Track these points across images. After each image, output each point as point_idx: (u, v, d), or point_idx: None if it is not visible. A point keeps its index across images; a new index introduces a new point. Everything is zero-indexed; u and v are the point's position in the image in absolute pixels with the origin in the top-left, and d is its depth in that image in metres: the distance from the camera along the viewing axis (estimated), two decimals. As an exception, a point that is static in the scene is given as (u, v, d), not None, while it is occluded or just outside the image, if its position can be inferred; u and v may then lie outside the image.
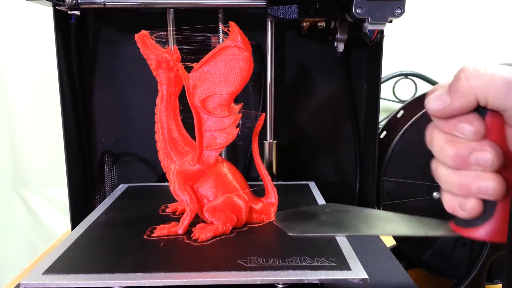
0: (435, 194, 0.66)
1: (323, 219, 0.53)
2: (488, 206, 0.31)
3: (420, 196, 0.68)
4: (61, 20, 0.72)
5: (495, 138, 0.30)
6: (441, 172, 0.32)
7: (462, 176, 0.31)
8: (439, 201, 0.65)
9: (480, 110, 0.30)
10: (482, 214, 0.31)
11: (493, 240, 0.32)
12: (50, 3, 0.66)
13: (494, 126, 0.30)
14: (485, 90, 0.29)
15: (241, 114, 0.52)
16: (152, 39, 0.53)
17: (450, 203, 0.32)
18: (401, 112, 0.75)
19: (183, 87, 0.52)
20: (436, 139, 0.32)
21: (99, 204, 0.65)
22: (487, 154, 0.30)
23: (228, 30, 0.49)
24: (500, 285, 0.64)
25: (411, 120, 0.67)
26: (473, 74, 0.29)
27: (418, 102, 0.72)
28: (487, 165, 0.30)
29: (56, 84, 0.73)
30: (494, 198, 0.30)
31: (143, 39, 0.52)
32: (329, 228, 0.50)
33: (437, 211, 0.65)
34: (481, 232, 0.32)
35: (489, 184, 0.30)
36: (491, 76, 0.29)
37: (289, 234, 0.50)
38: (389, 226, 0.44)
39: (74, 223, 0.76)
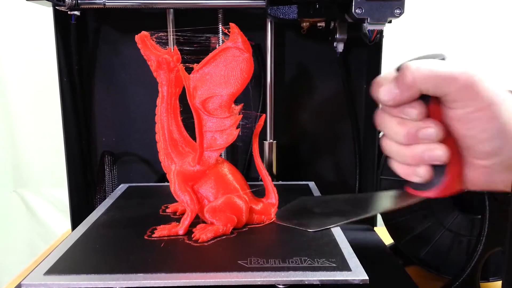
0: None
1: (320, 211, 0.55)
2: (438, 171, 0.39)
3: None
4: (61, 20, 0.72)
5: (437, 117, 0.38)
6: (393, 148, 0.40)
7: (414, 149, 0.38)
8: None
9: (423, 96, 0.38)
10: (434, 177, 0.39)
11: (443, 195, 0.40)
12: (50, 4, 0.66)
13: (435, 108, 0.38)
14: (426, 83, 0.37)
15: (241, 115, 0.52)
16: (153, 40, 0.53)
17: (404, 171, 0.40)
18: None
19: (184, 88, 0.52)
20: (388, 123, 0.40)
21: (100, 204, 0.65)
22: (431, 129, 0.37)
23: (229, 31, 0.49)
24: (496, 282, 0.65)
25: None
26: (416, 70, 0.37)
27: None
28: (433, 137, 0.38)
29: (56, 84, 0.73)
30: (443, 162, 0.38)
31: (144, 40, 0.52)
32: (335, 217, 0.52)
33: (432, 208, 0.66)
34: (435, 191, 0.40)
35: (438, 152, 0.38)
36: (431, 71, 0.36)
37: (309, 231, 0.52)
38: (375, 206, 0.53)
39: (75, 223, 0.77)
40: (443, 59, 0.38)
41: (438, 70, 0.36)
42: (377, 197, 0.54)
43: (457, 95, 0.36)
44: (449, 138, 0.38)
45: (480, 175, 0.40)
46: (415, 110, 0.38)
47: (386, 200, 0.50)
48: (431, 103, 0.38)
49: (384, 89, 0.39)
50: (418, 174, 0.39)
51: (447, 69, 0.36)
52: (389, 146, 0.41)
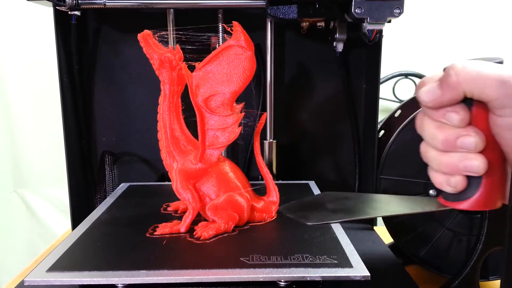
0: (431, 191, 0.66)
1: (331, 207, 0.55)
2: (474, 183, 0.36)
3: (416, 194, 0.68)
4: (61, 20, 0.72)
5: (480, 124, 0.35)
6: (431, 153, 0.38)
7: (450, 157, 0.36)
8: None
9: (467, 101, 0.35)
10: (468, 189, 0.37)
11: (477, 209, 0.37)
12: (50, 4, 0.66)
13: (479, 114, 0.35)
14: (472, 85, 0.34)
15: (243, 113, 0.52)
16: (155, 39, 0.53)
17: (438, 180, 0.38)
18: (399, 111, 0.76)
19: (186, 86, 0.52)
20: (427, 126, 0.37)
21: (100, 203, 0.65)
22: (471, 138, 0.35)
23: (231, 30, 0.49)
24: (496, 281, 0.65)
25: (407, 119, 0.68)
26: (461, 71, 0.34)
27: (415, 101, 0.73)
28: (471, 147, 0.35)
29: (56, 84, 0.73)
30: (478, 174, 0.35)
31: (146, 38, 0.53)
32: (340, 214, 0.52)
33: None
34: (466, 204, 0.37)
35: (474, 163, 0.35)
36: (478, 73, 0.33)
37: (307, 223, 0.51)
38: (390, 207, 0.49)
39: (75, 223, 0.77)
40: (501, 62, 0.35)
41: (486, 72, 0.33)
42: (400, 200, 0.51)
43: (506, 101, 0.33)
44: (490, 148, 0.36)
45: None
46: (457, 115, 0.35)
47: (409, 204, 0.48)
48: (475, 109, 0.35)
49: (426, 88, 0.36)
50: (450, 183, 0.37)
51: (497, 72, 0.33)
52: (426, 151, 0.38)
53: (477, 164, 0.35)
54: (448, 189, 0.37)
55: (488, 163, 0.35)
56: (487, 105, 0.35)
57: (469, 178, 0.36)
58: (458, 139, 0.35)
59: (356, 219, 0.50)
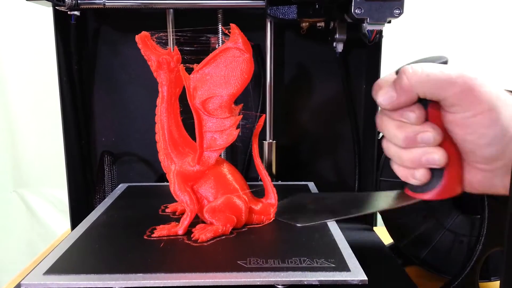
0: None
1: (313, 208, 0.55)
2: (436, 174, 0.39)
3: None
4: (61, 20, 0.72)
5: (436, 120, 0.38)
6: (393, 150, 0.40)
7: (412, 153, 0.38)
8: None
9: (422, 100, 0.37)
10: (432, 180, 0.39)
11: (441, 198, 0.39)
12: (50, 4, 0.66)
13: (434, 111, 0.38)
14: (423, 87, 0.36)
15: (241, 116, 0.52)
16: (153, 40, 0.53)
17: (403, 174, 0.40)
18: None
19: (184, 88, 0.52)
20: (387, 125, 0.39)
21: (99, 204, 0.65)
22: (429, 134, 0.37)
23: (229, 32, 0.49)
24: (497, 282, 0.65)
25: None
26: (413, 74, 0.36)
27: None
28: (430, 141, 0.37)
29: (56, 84, 0.73)
30: (440, 166, 0.38)
31: (144, 40, 0.52)
32: (326, 214, 0.52)
33: (432, 209, 0.66)
34: (431, 194, 0.39)
35: (435, 156, 0.37)
36: (427, 75, 0.36)
37: (297, 225, 0.51)
38: (370, 205, 0.51)
39: (74, 223, 0.77)
40: (445, 62, 0.38)
41: (435, 74, 0.36)
42: (374, 196, 0.54)
43: (455, 99, 0.36)
44: (448, 141, 0.38)
45: (480, 179, 0.39)
46: (413, 114, 0.37)
47: (383, 200, 0.50)
48: (430, 107, 0.38)
49: (382, 92, 0.38)
50: (415, 177, 0.39)
51: (444, 73, 0.36)
52: (389, 148, 0.41)
53: (438, 157, 0.37)
54: (413, 181, 0.40)
55: (448, 155, 0.38)
56: (439, 103, 0.37)
57: (431, 170, 0.39)
58: (418, 135, 0.37)
59: (344, 217, 0.50)
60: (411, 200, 0.42)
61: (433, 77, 0.36)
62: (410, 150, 0.38)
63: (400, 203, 0.44)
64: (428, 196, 0.40)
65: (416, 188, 0.41)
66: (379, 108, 0.41)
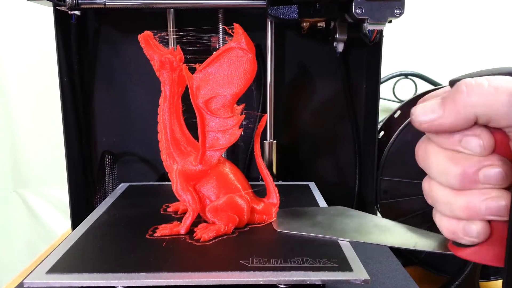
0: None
1: (318, 220, 0.54)
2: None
3: (417, 195, 0.68)
4: (61, 20, 0.72)
5: (503, 153, 0.28)
6: (440, 194, 0.29)
7: (468, 197, 0.28)
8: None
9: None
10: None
11: (492, 264, 0.30)
12: (50, 3, 0.66)
13: (502, 140, 0.28)
14: (489, 106, 0.26)
15: (244, 115, 0.52)
16: (156, 40, 0.53)
17: (452, 228, 0.29)
18: (398, 112, 0.76)
19: (186, 88, 0.52)
20: (434, 157, 0.29)
21: (100, 203, 0.65)
22: (497, 169, 0.27)
23: (232, 32, 0.49)
24: (497, 281, 0.65)
25: (407, 120, 0.68)
26: (475, 88, 0.26)
27: (415, 102, 0.73)
28: (498, 181, 0.27)
29: (56, 84, 0.73)
30: (507, 218, 0.27)
31: (147, 39, 0.52)
32: (318, 229, 0.51)
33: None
34: (478, 256, 0.30)
35: (501, 203, 0.27)
36: (496, 90, 0.26)
37: (277, 230, 0.52)
38: (383, 236, 0.46)
39: (75, 223, 0.77)
40: None
41: (508, 89, 0.26)
42: (410, 231, 0.47)
43: None
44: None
45: None
46: (478, 141, 0.27)
47: (417, 238, 0.44)
48: (494, 134, 0.28)
49: (424, 105, 0.29)
50: (469, 232, 0.28)
51: None
52: (432, 190, 0.30)
53: (505, 204, 0.27)
54: (465, 240, 0.29)
55: None
56: (505, 131, 0.27)
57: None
58: (480, 171, 0.27)
59: (327, 237, 0.49)
60: (446, 252, 0.34)
61: (505, 94, 0.26)
62: (465, 193, 0.28)
63: (432, 250, 0.38)
64: (477, 256, 0.29)
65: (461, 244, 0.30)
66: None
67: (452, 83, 0.28)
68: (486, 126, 0.28)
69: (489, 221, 0.28)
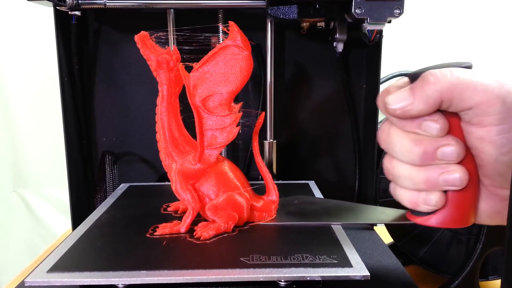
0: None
1: (290, 210, 0.57)
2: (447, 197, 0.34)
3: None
4: (61, 20, 0.72)
5: (457, 134, 0.33)
6: (402, 169, 0.34)
7: (428, 171, 0.33)
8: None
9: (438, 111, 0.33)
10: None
11: (444, 227, 0.35)
12: (51, 4, 0.67)
13: (455, 124, 0.33)
14: (451, 92, 0.31)
15: (241, 113, 0.52)
16: (152, 40, 0.53)
17: (412, 199, 0.34)
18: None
19: (183, 87, 0.52)
20: (397, 138, 0.34)
21: (100, 203, 0.65)
22: (452, 147, 0.32)
23: (228, 30, 0.49)
24: (495, 281, 0.65)
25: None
26: (440, 77, 0.31)
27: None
28: (453, 157, 0.32)
29: (56, 84, 0.73)
30: (460, 187, 0.32)
31: (143, 39, 0.53)
32: (293, 217, 0.54)
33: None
34: (438, 219, 0.34)
35: (456, 176, 0.32)
36: (458, 78, 0.31)
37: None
38: (351, 216, 0.51)
39: (75, 223, 0.77)
40: (469, 67, 0.33)
41: (466, 78, 0.31)
42: (371, 209, 0.52)
43: (489, 108, 0.30)
44: (467, 161, 0.33)
45: (500, 209, 0.34)
46: (436, 125, 0.32)
47: (379, 215, 0.48)
48: (450, 118, 0.33)
49: (396, 95, 0.33)
50: (429, 201, 0.33)
51: (478, 78, 0.31)
52: (394, 168, 0.34)
53: (459, 176, 0.32)
54: (425, 208, 0.34)
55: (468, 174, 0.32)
56: (460, 116, 0.32)
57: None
58: (438, 150, 0.32)
59: (299, 223, 0.52)
60: (406, 222, 0.38)
61: (465, 82, 0.31)
62: (425, 169, 0.33)
63: (396, 221, 0.42)
64: (432, 222, 0.34)
65: (419, 212, 0.36)
66: (382, 120, 0.38)
67: (413, 75, 0.33)
68: (442, 111, 0.32)
69: (445, 191, 0.33)
